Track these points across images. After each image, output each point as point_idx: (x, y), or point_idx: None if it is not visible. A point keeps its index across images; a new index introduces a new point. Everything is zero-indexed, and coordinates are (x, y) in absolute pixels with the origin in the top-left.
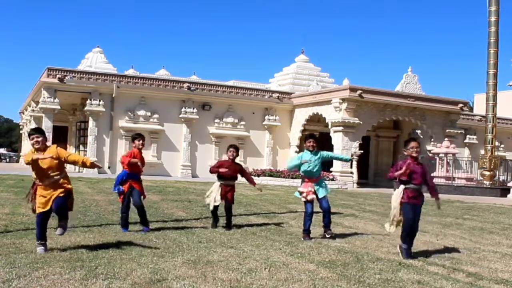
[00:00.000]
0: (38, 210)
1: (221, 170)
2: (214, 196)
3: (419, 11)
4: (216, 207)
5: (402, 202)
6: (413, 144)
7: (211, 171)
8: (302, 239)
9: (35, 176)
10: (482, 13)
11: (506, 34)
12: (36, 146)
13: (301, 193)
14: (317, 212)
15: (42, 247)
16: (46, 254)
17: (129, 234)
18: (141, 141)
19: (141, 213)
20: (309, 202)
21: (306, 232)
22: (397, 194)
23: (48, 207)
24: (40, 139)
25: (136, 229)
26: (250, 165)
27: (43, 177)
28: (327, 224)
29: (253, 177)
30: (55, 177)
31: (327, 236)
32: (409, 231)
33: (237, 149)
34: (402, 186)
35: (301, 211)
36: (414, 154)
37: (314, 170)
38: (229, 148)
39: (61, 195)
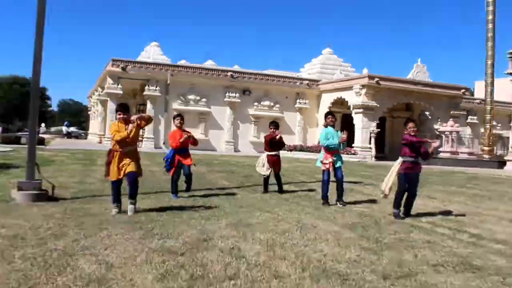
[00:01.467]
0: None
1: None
2: (264, 166)
3: (421, 11)
4: (267, 177)
5: (399, 172)
6: (410, 124)
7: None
8: (322, 205)
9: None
10: (481, 11)
11: (503, 29)
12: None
13: (322, 163)
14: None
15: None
16: (110, 218)
17: (181, 200)
18: (178, 120)
19: (188, 180)
20: (327, 171)
21: (326, 198)
22: (396, 165)
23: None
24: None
25: (185, 195)
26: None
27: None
28: (340, 194)
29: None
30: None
31: (339, 205)
32: (400, 198)
33: (276, 126)
34: (400, 159)
35: None
36: (411, 133)
37: (337, 144)
38: (269, 126)
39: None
